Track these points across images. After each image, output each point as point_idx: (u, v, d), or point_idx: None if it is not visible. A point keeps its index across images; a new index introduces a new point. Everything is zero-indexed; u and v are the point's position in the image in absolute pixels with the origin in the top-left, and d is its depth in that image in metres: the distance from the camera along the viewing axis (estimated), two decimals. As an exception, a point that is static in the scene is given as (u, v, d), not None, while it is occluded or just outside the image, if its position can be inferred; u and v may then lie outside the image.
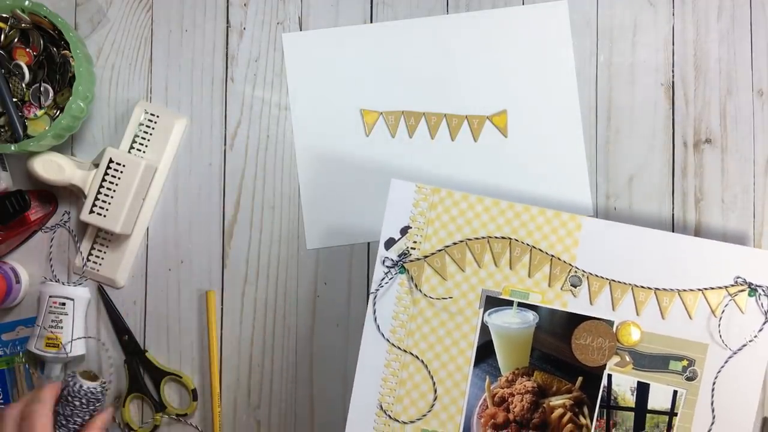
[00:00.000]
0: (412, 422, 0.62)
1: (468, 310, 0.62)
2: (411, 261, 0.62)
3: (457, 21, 0.72)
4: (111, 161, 0.68)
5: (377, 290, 0.62)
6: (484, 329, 0.63)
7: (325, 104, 0.73)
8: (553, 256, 0.62)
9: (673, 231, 0.71)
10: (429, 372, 0.62)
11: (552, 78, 0.72)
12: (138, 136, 0.72)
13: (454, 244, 0.62)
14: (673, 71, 0.73)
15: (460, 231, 0.63)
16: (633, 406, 0.62)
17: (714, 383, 0.62)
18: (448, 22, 0.72)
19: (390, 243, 0.62)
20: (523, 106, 0.72)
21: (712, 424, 0.62)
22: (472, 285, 0.63)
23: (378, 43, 0.73)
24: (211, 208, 0.73)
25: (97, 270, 0.72)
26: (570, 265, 0.62)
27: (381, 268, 0.62)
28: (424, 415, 0.62)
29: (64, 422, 0.65)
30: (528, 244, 0.62)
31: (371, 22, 0.73)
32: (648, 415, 0.62)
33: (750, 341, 0.62)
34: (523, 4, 0.72)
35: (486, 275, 0.63)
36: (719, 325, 0.62)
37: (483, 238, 0.62)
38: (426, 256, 0.62)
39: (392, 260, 0.62)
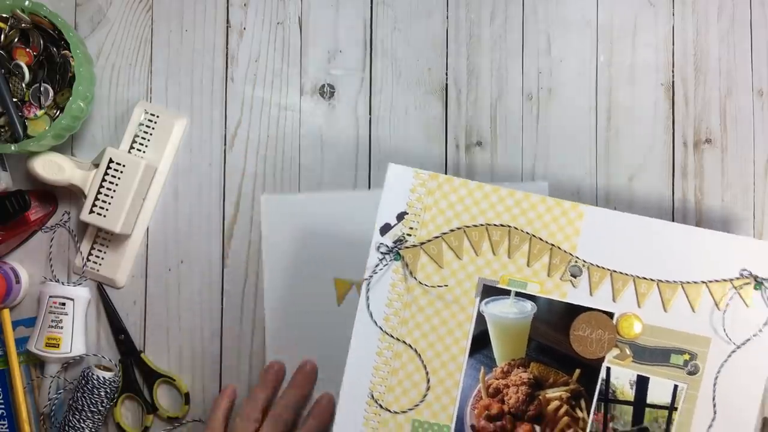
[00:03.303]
0: (403, 412, 0.61)
1: (464, 298, 0.61)
2: (406, 247, 0.60)
3: None
4: (111, 161, 0.68)
5: (371, 277, 0.60)
6: (480, 319, 0.61)
7: (299, 269, 0.71)
8: (553, 245, 0.61)
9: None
10: (422, 361, 0.61)
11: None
12: (138, 136, 0.72)
13: (452, 231, 0.61)
14: (673, 71, 0.73)
15: (458, 218, 0.61)
16: (632, 399, 0.61)
17: (716, 378, 0.60)
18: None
19: (386, 229, 0.61)
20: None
21: (713, 419, 0.61)
22: (468, 273, 0.61)
23: (356, 211, 0.72)
24: (211, 208, 0.73)
25: (97, 270, 0.72)
26: (570, 254, 0.61)
27: (375, 254, 0.60)
28: (417, 405, 0.61)
29: (89, 414, 0.68)
30: (527, 233, 0.61)
31: (371, 22, 0.73)
32: (647, 409, 0.61)
33: (754, 335, 0.60)
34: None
35: (483, 264, 0.61)
36: (723, 318, 0.60)
37: (481, 225, 0.61)
38: (422, 243, 0.61)
39: (387, 246, 0.60)
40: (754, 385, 0.61)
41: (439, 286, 0.61)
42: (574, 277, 0.61)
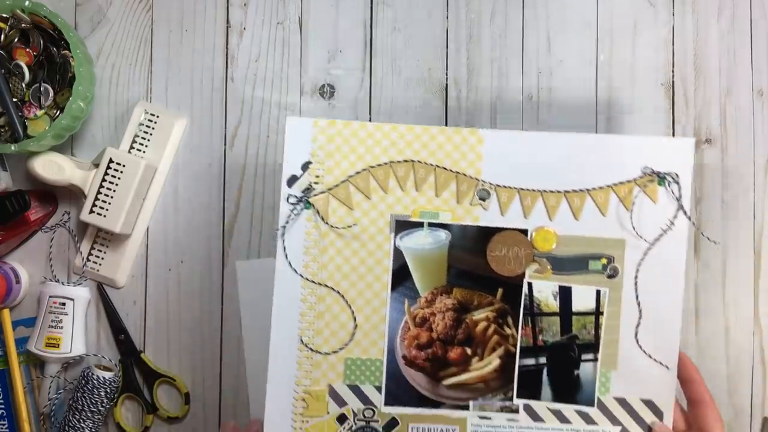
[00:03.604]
0: (335, 352, 0.62)
1: (379, 236, 0.62)
2: (315, 195, 0.62)
3: None
4: (111, 161, 0.68)
5: (283, 227, 0.61)
6: (398, 253, 0.62)
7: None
8: (458, 172, 0.62)
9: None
10: (346, 302, 0.62)
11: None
12: (138, 136, 0.72)
13: (357, 173, 0.62)
14: (673, 71, 0.73)
15: (362, 160, 0.62)
16: (557, 310, 0.62)
17: (636, 278, 0.62)
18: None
19: (292, 180, 0.62)
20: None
21: (640, 318, 0.62)
22: (380, 211, 0.62)
23: None
24: (211, 208, 0.73)
25: (97, 270, 0.72)
26: (476, 179, 0.62)
27: (286, 206, 0.62)
28: (347, 344, 0.62)
29: (89, 414, 0.69)
30: (431, 164, 0.62)
31: (371, 22, 0.73)
32: (574, 317, 0.62)
33: (666, 231, 0.61)
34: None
35: (393, 200, 0.62)
36: (631, 218, 0.61)
37: (385, 164, 0.62)
38: (330, 189, 0.62)
39: (296, 197, 0.62)
40: (674, 279, 0.62)
41: (349, 226, 0.62)
42: (483, 200, 0.62)
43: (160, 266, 0.73)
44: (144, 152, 0.72)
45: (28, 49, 0.67)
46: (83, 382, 0.69)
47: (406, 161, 0.62)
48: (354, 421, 0.62)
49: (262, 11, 0.74)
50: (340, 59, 0.74)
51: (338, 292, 0.62)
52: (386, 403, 0.62)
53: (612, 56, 0.73)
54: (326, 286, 0.62)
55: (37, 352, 0.70)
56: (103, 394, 0.69)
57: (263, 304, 0.70)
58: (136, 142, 0.72)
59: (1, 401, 0.73)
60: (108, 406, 0.70)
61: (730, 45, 0.72)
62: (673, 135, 0.72)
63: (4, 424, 0.73)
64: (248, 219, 0.73)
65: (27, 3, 0.66)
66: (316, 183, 0.62)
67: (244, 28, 0.74)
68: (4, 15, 0.67)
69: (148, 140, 0.72)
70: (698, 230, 0.72)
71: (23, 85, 0.67)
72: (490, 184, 0.62)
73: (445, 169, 0.62)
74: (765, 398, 0.71)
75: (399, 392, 0.62)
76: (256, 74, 0.74)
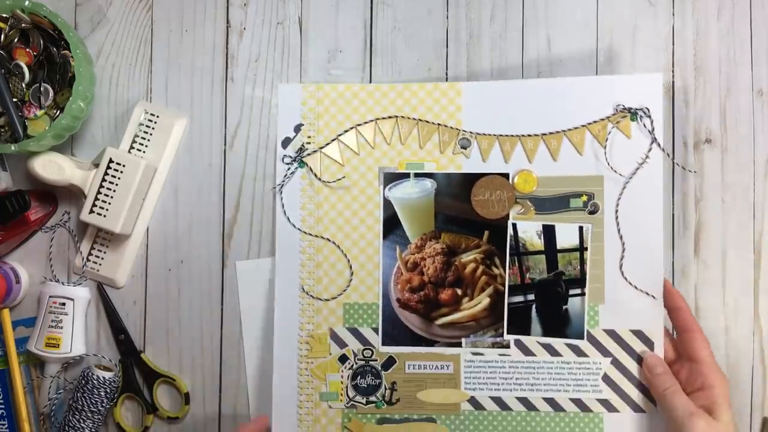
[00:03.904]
0: (333, 298, 0.67)
1: (369, 189, 0.67)
2: (308, 154, 0.67)
3: None
4: (111, 161, 0.68)
5: (281, 185, 0.67)
6: (387, 204, 0.67)
7: (273, 325, 0.70)
8: (439, 124, 0.66)
9: (673, 232, 0.71)
10: (342, 251, 0.67)
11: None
12: (138, 136, 0.72)
13: (345, 131, 0.67)
14: (673, 71, 0.73)
15: (349, 119, 0.67)
16: (542, 248, 0.65)
17: (617, 212, 0.65)
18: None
19: (286, 142, 0.68)
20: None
21: (623, 251, 0.65)
22: (369, 166, 0.67)
23: None
24: (211, 208, 0.73)
25: (97, 270, 0.72)
26: (457, 129, 0.66)
27: (282, 166, 0.68)
28: (344, 291, 0.67)
29: (89, 414, 0.69)
30: (414, 119, 0.67)
31: (371, 22, 0.73)
32: (559, 254, 0.65)
33: (642, 164, 0.65)
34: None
35: (380, 154, 0.67)
36: (605, 153, 0.65)
37: (371, 121, 0.67)
38: (321, 148, 0.67)
39: (290, 157, 0.67)
40: (653, 210, 0.65)
41: (338, 179, 0.67)
42: (464, 148, 0.66)
43: (160, 266, 0.73)
44: (144, 152, 0.72)
45: (28, 49, 0.67)
46: (83, 382, 0.69)
47: (390, 117, 0.67)
48: (354, 360, 0.67)
49: (262, 11, 0.74)
50: (340, 59, 0.74)
51: (334, 243, 0.67)
52: (383, 344, 0.67)
53: (612, 56, 0.73)
54: (323, 237, 0.67)
55: (37, 352, 0.70)
56: (103, 394, 0.69)
57: (263, 303, 0.71)
58: (136, 142, 0.72)
59: (1, 401, 0.73)
60: (108, 406, 0.70)
61: (730, 45, 0.72)
62: (673, 135, 0.72)
63: (4, 424, 0.73)
64: (248, 219, 0.73)
65: (27, 3, 0.66)
66: (308, 143, 0.67)
67: (244, 28, 0.74)
68: (4, 15, 0.67)
69: (148, 140, 0.72)
70: (673, 161, 0.71)
71: (23, 85, 0.67)
72: (471, 132, 0.66)
73: (427, 122, 0.67)
74: (765, 398, 0.71)
75: (395, 333, 0.67)
76: (256, 74, 0.74)
